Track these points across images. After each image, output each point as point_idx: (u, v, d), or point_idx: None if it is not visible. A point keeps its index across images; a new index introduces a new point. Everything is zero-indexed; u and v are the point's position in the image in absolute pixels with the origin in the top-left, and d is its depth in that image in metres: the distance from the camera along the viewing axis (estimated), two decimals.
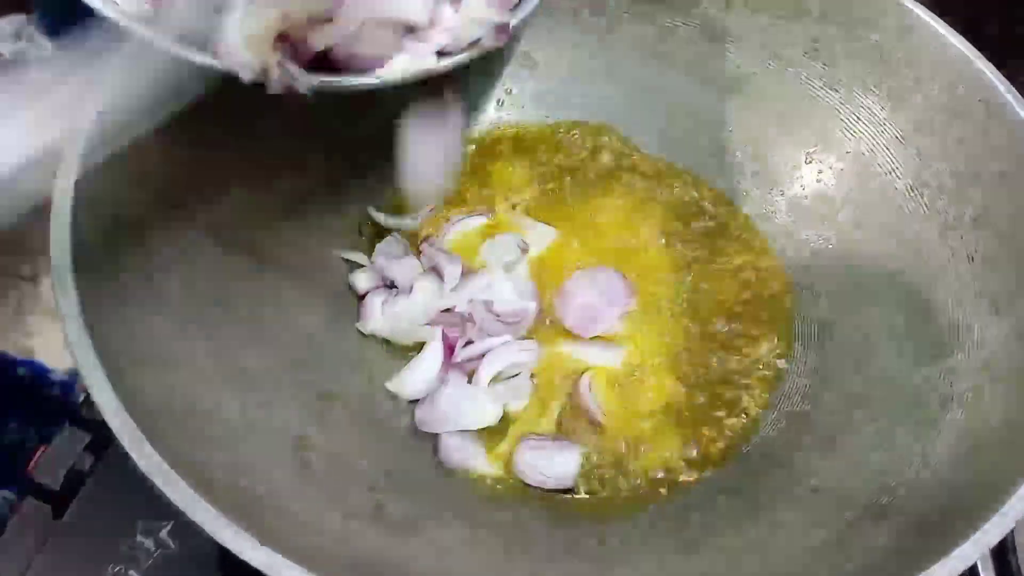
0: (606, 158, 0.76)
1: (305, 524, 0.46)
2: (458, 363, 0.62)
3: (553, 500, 0.59)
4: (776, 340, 0.66)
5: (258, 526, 0.40)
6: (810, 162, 0.69)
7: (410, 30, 0.49)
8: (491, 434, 0.60)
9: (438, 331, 0.62)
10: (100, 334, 0.44)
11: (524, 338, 0.65)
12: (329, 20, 0.47)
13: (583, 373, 0.63)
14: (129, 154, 0.53)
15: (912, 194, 0.63)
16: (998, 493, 0.43)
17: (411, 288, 0.64)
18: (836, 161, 0.68)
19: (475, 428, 0.60)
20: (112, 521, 0.63)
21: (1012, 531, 0.44)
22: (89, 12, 0.47)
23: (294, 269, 0.64)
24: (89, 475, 0.65)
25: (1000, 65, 0.59)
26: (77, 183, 0.48)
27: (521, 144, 0.78)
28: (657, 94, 0.75)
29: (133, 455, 0.40)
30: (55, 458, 0.68)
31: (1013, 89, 0.57)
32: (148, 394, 0.45)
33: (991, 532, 0.41)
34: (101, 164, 0.50)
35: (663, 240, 0.72)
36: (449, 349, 0.62)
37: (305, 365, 0.59)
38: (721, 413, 0.63)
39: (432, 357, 0.61)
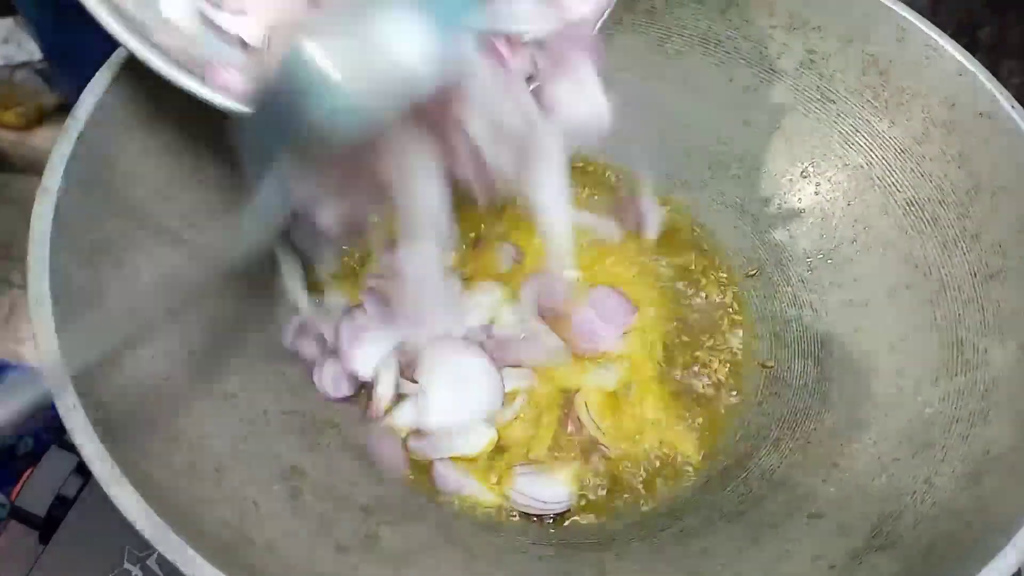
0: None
1: (296, 564, 0.45)
2: None
3: (551, 527, 0.57)
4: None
5: (249, 571, 0.39)
6: (807, 175, 0.68)
7: None
8: (486, 459, 0.59)
9: None
10: (79, 367, 0.42)
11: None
12: None
13: (576, 393, 0.62)
14: (111, 178, 0.51)
15: (912, 208, 0.61)
16: (1008, 522, 0.42)
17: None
18: (834, 174, 0.67)
19: (470, 454, 0.58)
20: (99, 548, 0.62)
21: None
22: (74, 16, 0.46)
23: (283, 292, 0.62)
24: (76, 500, 0.64)
25: (993, 69, 0.58)
26: (57, 208, 0.46)
27: None
28: (650, 107, 0.73)
29: (119, 505, 0.38)
30: (41, 482, 0.67)
31: (1016, 102, 0.56)
32: (131, 430, 0.44)
33: (1003, 565, 0.40)
34: (81, 189, 0.48)
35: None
36: None
37: (295, 391, 0.58)
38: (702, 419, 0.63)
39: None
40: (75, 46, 0.56)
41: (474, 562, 0.52)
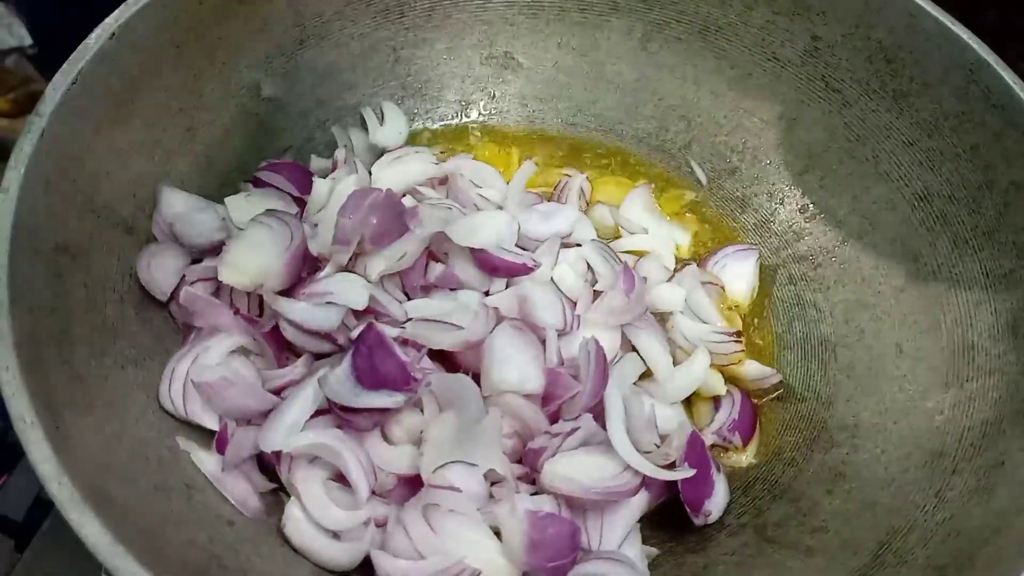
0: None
1: None
2: None
3: None
4: None
5: None
6: (811, 169, 0.65)
7: None
8: None
9: None
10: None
11: None
12: None
13: None
14: (77, 176, 0.49)
15: (921, 203, 0.59)
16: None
17: None
18: (839, 166, 0.64)
19: None
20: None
21: None
22: (65, 1, 0.43)
23: None
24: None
25: (999, 55, 0.55)
26: (17, 209, 0.43)
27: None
28: (647, 95, 0.71)
29: (78, 531, 0.36)
30: (18, 489, 0.65)
31: None
32: (93, 447, 0.41)
33: None
34: (46, 189, 0.45)
35: None
36: None
37: None
38: None
39: None
40: (66, 32, 0.53)
41: None
